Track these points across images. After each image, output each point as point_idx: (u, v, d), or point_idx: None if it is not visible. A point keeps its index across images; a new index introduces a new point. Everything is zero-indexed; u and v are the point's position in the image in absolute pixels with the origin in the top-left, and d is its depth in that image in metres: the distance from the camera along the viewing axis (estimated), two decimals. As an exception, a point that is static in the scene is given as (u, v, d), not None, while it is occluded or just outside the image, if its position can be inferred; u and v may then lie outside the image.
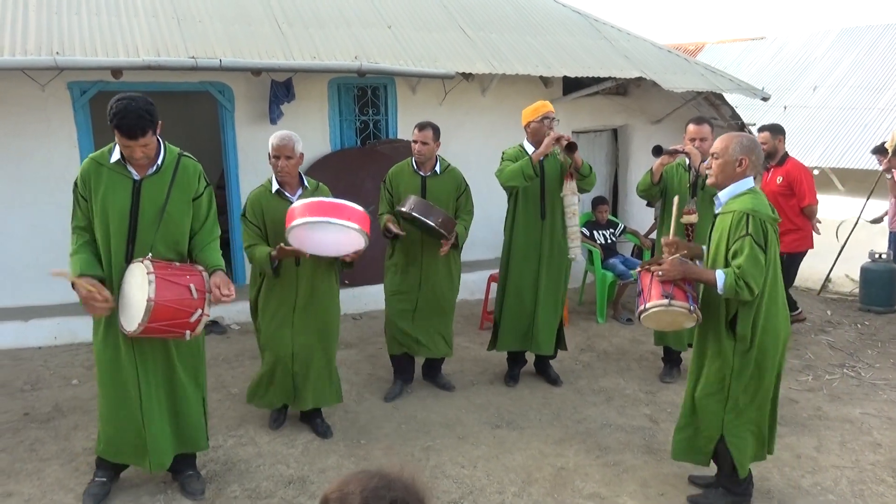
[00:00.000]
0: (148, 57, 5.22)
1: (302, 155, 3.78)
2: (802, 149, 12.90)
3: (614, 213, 8.05)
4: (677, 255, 3.23)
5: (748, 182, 3.11)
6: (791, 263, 5.74)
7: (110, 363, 3.17)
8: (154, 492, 3.45)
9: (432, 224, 4.15)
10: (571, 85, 7.45)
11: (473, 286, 6.86)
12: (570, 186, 4.57)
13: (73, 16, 5.60)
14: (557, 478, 3.64)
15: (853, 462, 3.84)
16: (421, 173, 4.44)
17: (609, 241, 6.67)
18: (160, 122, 3.06)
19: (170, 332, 3.04)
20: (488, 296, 6.13)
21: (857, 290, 7.21)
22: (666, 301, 3.11)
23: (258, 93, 6.25)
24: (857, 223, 7.73)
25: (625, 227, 6.98)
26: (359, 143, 6.91)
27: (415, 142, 4.36)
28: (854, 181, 11.88)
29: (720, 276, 2.99)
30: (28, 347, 5.29)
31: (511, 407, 4.49)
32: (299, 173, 3.85)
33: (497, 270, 6.20)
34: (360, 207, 3.60)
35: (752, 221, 2.96)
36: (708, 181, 3.22)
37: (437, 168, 4.47)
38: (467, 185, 4.57)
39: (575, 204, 4.62)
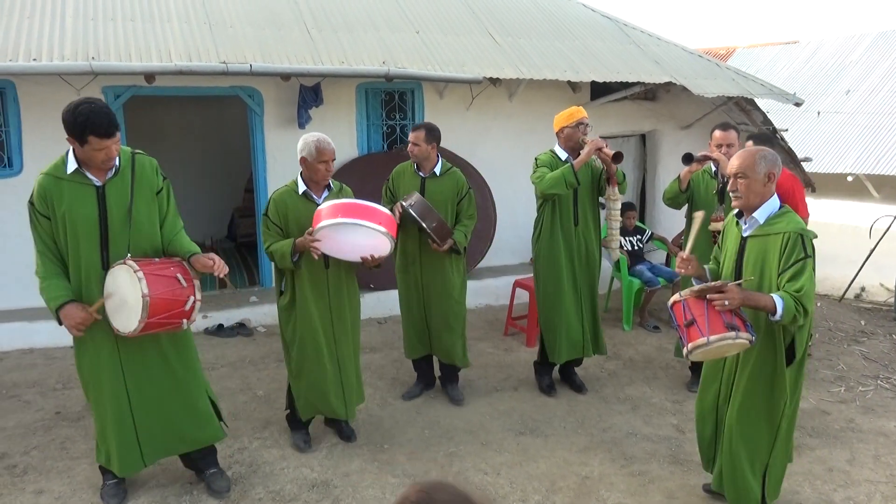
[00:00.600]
0: (180, 62, 5.31)
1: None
2: (836, 155, 12.66)
3: (641, 220, 7.97)
4: (739, 281, 2.99)
5: (776, 199, 2.99)
6: None
7: (95, 375, 3.17)
8: (180, 493, 3.50)
9: (425, 227, 4.14)
10: (600, 90, 7.40)
11: (498, 291, 6.85)
12: (614, 192, 4.55)
13: (109, 22, 5.73)
14: (582, 487, 3.61)
15: (888, 477, 3.74)
16: (421, 174, 4.42)
17: (636, 247, 6.61)
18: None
19: (168, 325, 3.05)
20: (513, 301, 6.10)
21: (892, 300, 7.04)
22: (733, 334, 2.84)
23: (287, 97, 6.32)
24: (888, 230, 7.54)
25: (652, 234, 6.90)
26: (386, 147, 6.94)
27: (409, 142, 4.38)
28: (890, 188, 11.61)
29: (779, 301, 2.79)
30: (61, 346, 5.39)
31: (535, 414, 4.46)
32: None
33: (524, 276, 6.25)
34: (387, 210, 3.65)
35: (808, 243, 2.84)
36: (734, 204, 3.04)
37: (438, 169, 4.41)
38: (470, 189, 4.48)
39: (618, 209, 4.65)
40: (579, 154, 4.49)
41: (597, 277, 4.73)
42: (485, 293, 6.88)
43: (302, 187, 3.78)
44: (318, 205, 3.70)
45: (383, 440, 4.08)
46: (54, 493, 3.47)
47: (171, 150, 9.17)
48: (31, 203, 3.05)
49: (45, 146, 5.65)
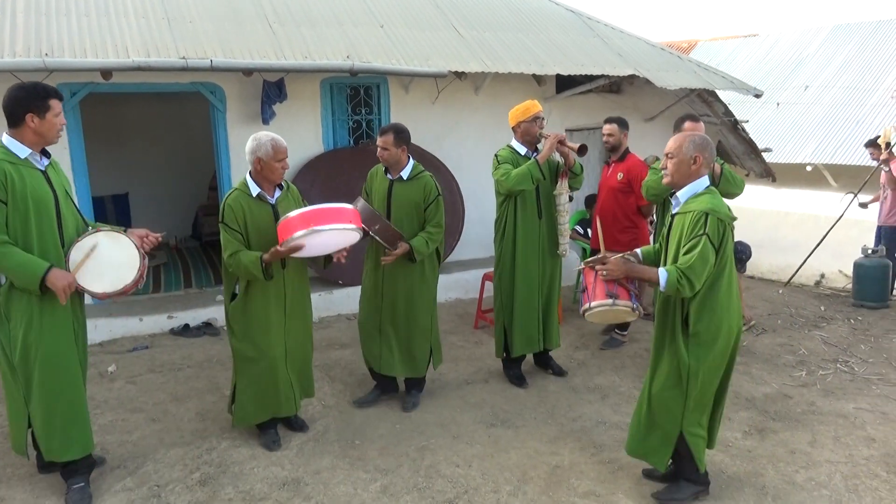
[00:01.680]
0: (138, 58, 5.20)
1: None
2: (795, 145, 12.95)
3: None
4: (621, 254, 3.32)
5: (704, 181, 3.14)
6: None
7: (61, 355, 3.22)
8: (147, 496, 3.44)
9: (375, 236, 4.07)
10: (564, 83, 7.45)
11: (468, 285, 6.87)
12: (563, 185, 4.58)
13: (62, 17, 5.57)
14: (552, 476, 3.64)
15: (847, 457, 3.85)
16: (389, 177, 4.27)
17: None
18: None
19: (142, 278, 3.36)
20: (482, 294, 6.12)
21: (850, 286, 7.24)
22: (610, 301, 3.23)
23: (250, 93, 6.23)
24: (840, 217, 7.74)
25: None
26: (352, 142, 6.90)
27: (378, 147, 4.19)
28: (847, 177, 11.92)
29: (662, 274, 3.04)
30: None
31: (506, 406, 4.49)
32: None
33: (491, 270, 6.25)
34: (349, 206, 3.71)
35: (711, 220, 2.99)
36: (663, 181, 3.23)
37: (405, 173, 4.22)
38: (439, 194, 4.26)
39: (566, 203, 4.65)
40: (537, 148, 4.52)
41: (558, 270, 4.78)
42: (454, 287, 6.89)
43: (255, 189, 3.67)
44: (271, 205, 3.68)
45: (354, 436, 4.06)
46: (15, 501, 3.38)
47: (133, 149, 8.99)
48: None
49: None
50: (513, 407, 4.47)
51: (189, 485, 3.52)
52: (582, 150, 4.38)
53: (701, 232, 2.98)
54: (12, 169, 3.05)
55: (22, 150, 3.09)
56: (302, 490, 3.50)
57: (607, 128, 5.51)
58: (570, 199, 4.81)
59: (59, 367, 3.22)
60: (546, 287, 4.73)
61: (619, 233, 5.36)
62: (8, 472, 3.63)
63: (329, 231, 3.51)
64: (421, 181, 4.25)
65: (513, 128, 4.59)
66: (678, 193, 3.17)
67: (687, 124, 4.68)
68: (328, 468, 3.70)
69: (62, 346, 3.22)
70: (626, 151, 5.57)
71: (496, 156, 4.57)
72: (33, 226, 3.09)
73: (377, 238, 4.10)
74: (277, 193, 3.76)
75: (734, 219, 3.11)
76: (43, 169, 3.18)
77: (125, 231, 3.41)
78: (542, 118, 4.56)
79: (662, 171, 3.22)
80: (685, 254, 3.01)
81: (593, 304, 3.27)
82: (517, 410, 4.42)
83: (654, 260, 3.38)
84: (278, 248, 3.50)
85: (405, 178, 4.23)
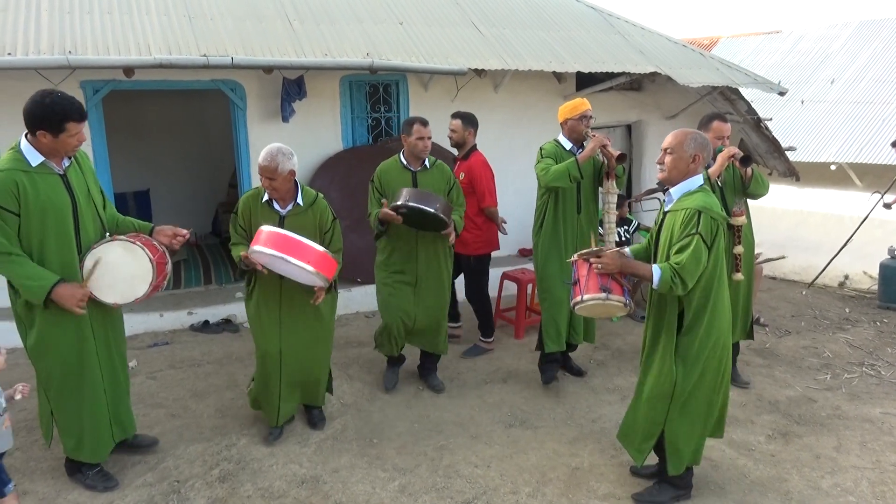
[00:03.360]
0: (160, 55, 5.22)
1: (292, 171, 3.59)
2: (819, 144, 12.74)
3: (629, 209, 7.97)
4: (616, 248, 3.29)
5: (699, 179, 3.11)
6: (479, 266, 5.30)
7: (70, 366, 3.25)
8: (167, 491, 3.46)
9: (432, 211, 4.09)
10: (585, 80, 7.38)
11: (486, 284, 6.83)
12: (611, 185, 4.56)
13: (86, 15, 5.62)
14: (572, 478, 3.61)
15: (874, 463, 3.77)
16: (411, 168, 4.45)
17: (623, 238, 6.61)
18: None
19: (159, 287, 3.41)
20: (501, 294, 6.09)
21: (875, 288, 7.11)
22: (603, 295, 3.18)
23: (270, 91, 6.25)
24: (866, 217, 7.59)
25: (639, 225, 6.91)
26: (371, 140, 6.89)
27: (420, 138, 4.36)
28: (872, 176, 11.69)
29: (656, 271, 3.02)
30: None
31: (524, 406, 4.46)
32: (297, 185, 3.73)
33: (511, 268, 6.23)
34: (321, 248, 3.48)
35: (703, 219, 2.96)
36: (658, 176, 3.21)
37: (427, 163, 4.48)
38: (457, 179, 4.61)
39: (614, 202, 4.63)
40: (582, 145, 4.51)
41: None
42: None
43: (265, 195, 3.72)
44: (280, 215, 3.70)
45: (372, 434, 4.06)
46: (38, 495, 3.41)
47: (154, 146, 9.06)
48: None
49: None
50: (532, 407, 4.44)
51: (209, 481, 3.54)
52: (621, 159, 4.37)
53: (693, 231, 2.96)
54: (25, 178, 3.00)
55: (35, 157, 3.04)
56: (320, 488, 3.49)
57: (451, 123, 5.31)
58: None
59: (68, 377, 3.25)
60: None
61: (464, 235, 5.03)
62: (31, 466, 3.67)
63: (282, 259, 3.36)
64: (441, 168, 4.53)
65: (560, 123, 4.60)
66: (671, 190, 3.14)
67: (715, 124, 4.55)
68: (346, 466, 3.70)
69: (71, 357, 3.23)
70: (472, 150, 5.30)
71: (541, 149, 4.57)
72: (50, 233, 3.07)
73: (438, 215, 4.11)
74: (290, 207, 3.70)
75: (726, 218, 3.08)
76: (61, 172, 3.13)
77: (152, 230, 3.45)
78: (590, 117, 4.56)
79: (658, 166, 3.19)
80: (677, 252, 2.99)
81: (585, 297, 3.21)
82: (536, 411, 4.39)
83: (644, 258, 3.35)
84: (245, 254, 3.55)
85: (429, 167, 4.48)
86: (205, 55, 5.34)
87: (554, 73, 6.82)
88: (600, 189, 4.63)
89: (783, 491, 3.49)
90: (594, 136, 4.40)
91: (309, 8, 6.51)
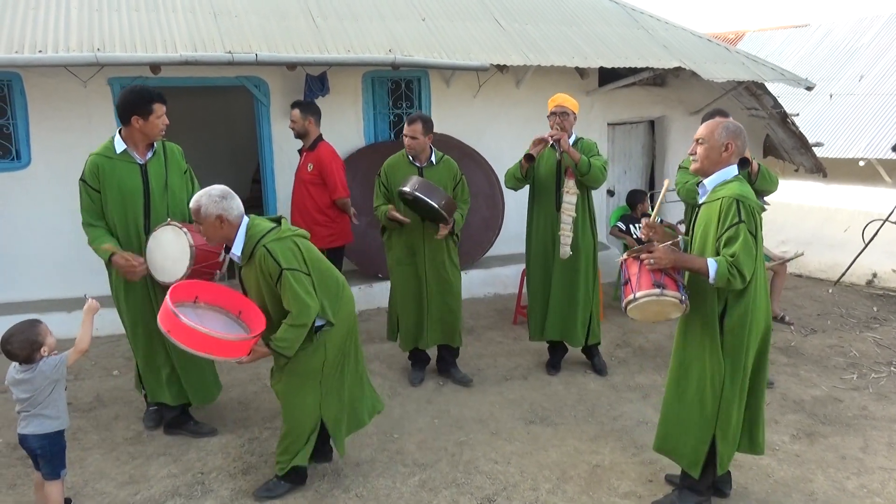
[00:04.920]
0: (185, 52, 5.29)
1: (219, 217, 3.06)
2: (847, 140, 12.50)
3: (650, 207, 7.91)
4: (668, 242, 3.10)
5: (733, 169, 3.03)
6: (333, 259, 5.01)
7: (137, 325, 3.78)
8: (191, 482, 3.51)
9: (434, 205, 4.14)
10: (608, 76, 7.33)
11: (507, 280, 6.83)
12: (569, 184, 4.57)
13: (114, 13, 5.70)
14: (593, 475, 3.60)
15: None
16: (417, 164, 4.47)
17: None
18: None
19: (207, 273, 3.54)
20: (521, 290, 6.08)
21: (905, 286, 6.98)
22: (658, 291, 2.97)
23: (293, 87, 6.29)
24: (890, 214, 7.44)
25: (661, 221, 6.84)
26: (392, 136, 6.91)
27: (405, 135, 4.38)
28: (902, 172, 11.48)
29: (712, 264, 2.87)
30: (71, 338, 5.41)
31: (545, 403, 4.45)
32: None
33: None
34: (230, 338, 3.07)
35: (744, 208, 2.87)
36: (692, 167, 3.13)
37: (433, 158, 4.49)
38: (463, 174, 4.59)
39: (572, 202, 4.58)
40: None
41: (581, 265, 4.69)
42: (493, 282, 6.86)
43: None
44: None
45: (392, 429, 4.08)
46: (67, 484, 3.47)
47: (178, 142, 9.10)
48: (82, 180, 3.64)
49: (53, 138, 5.66)
50: (552, 404, 4.43)
51: (232, 473, 3.59)
52: (556, 144, 4.45)
53: (737, 220, 2.86)
54: (105, 162, 3.61)
55: (119, 146, 3.63)
56: (341, 482, 3.53)
57: (291, 113, 5.22)
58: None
59: (136, 334, 3.83)
60: (568, 279, 4.69)
61: (316, 228, 5.02)
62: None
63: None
64: (448, 163, 4.54)
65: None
66: (706, 181, 3.05)
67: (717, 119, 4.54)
68: (367, 461, 3.73)
69: (138, 316, 3.77)
70: (318, 140, 5.20)
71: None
72: (120, 212, 3.63)
73: (441, 211, 4.16)
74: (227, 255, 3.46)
75: (763, 209, 3.00)
76: (142, 162, 3.66)
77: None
78: (557, 114, 4.55)
79: (691, 157, 3.11)
80: (726, 245, 2.87)
81: (638, 294, 2.99)
82: (556, 408, 4.38)
83: None
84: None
85: (435, 163, 4.49)
86: (229, 52, 5.40)
87: (576, 68, 6.78)
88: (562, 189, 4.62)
89: (808, 492, 3.45)
90: (552, 134, 4.48)
91: (332, 5, 6.54)
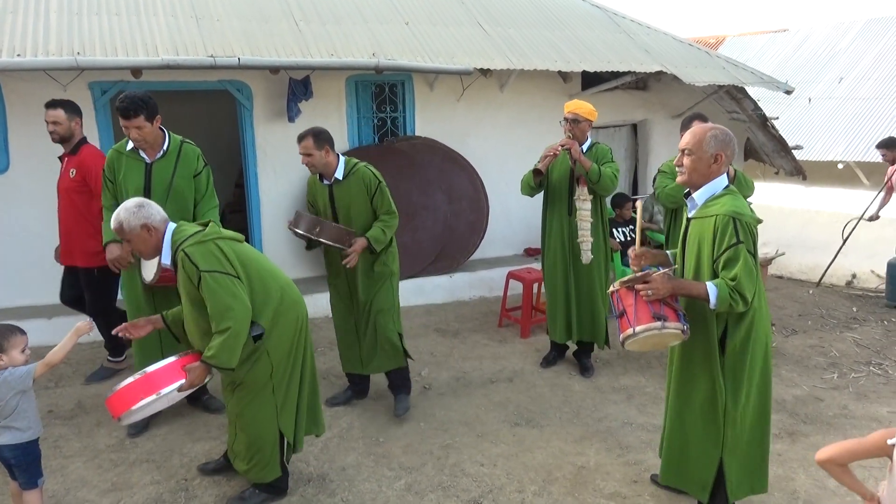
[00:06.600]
0: (167, 56, 5.25)
1: (144, 226, 3.00)
2: (826, 143, 12.70)
3: (633, 209, 7.97)
4: (666, 270, 2.91)
5: (723, 180, 2.86)
6: (103, 280, 4.51)
7: (136, 309, 3.97)
8: (175, 489, 3.48)
9: (324, 241, 3.89)
10: (591, 80, 7.38)
11: (492, 283, 6.84)
12: (580, 192, 4.63)
13: (94, 16, 5.65)
14: (578, 476, 3.61)
15: (881, 462, 3.74)
16: (325, 182, 4.09)
17: (628, 238, 6.60)
18: (159, 115, 3.82)
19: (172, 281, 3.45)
20: (507, 293, 6.09)
21: (883, 286, 7.07)
22: (659, 324, 2.78)
23: (276, 91, 6.27)
24: (859, 220, 7.56)
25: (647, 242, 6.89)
26: (377, 140, 6.90)
27: (299, 153, 4.00)
28: (879, 174, 11.64)
29: (713, 289, 2.72)
30: (51, 345, 5.33)
31: (530, 405, 4.46)
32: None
33: (517, 268, 6.26)
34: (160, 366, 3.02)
35: (741, 227, 2.71)
36: (678, 179, 2.94)
37: (339, 173, 4.04)
38: (380, 182, 4.07)
39: (587, 209, 4.65)
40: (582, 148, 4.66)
41: (595, 267, 4.79)
42: (479, 285, 6.87)
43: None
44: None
45: (378, 433, 4.07)
46: (48, 493, 3.43)
47: (161, 146, 9.08)
48: (103, 170, 3.98)
49: (32, 143, 5.58)
50: (537, 406, 4.44)
51: (216, 479, 3.56)
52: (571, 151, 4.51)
53: (735, 241, 2.70)
54: (117, 157, 3.92)
55: (129, 144, 3.89)
56: (327, 486, 3.51)
57: (51, 114, 4.42)
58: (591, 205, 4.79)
59: (134, 314, 3.96)
60: (583, 280, 4.80)
61: (87, 240, 4.45)
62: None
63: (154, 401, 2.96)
64: (357, 175, 4.06)
65: None
66: (694, 195, 2.89)
67: (695, 124, 4.55)
68: (353, 465, 3.72)
69: (135, 303, 4.01)
70: (81, 143, 4.51)
71: None
72: (116, 205, 3.69)
73: (326, 242, 3.90)
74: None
75: (759, 221, 2.86)
76: (148, 162, 3.88)
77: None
78: (569, 120, 4.61)
79: (678, 168, 2.94)
80: (725, 268, 2.72)
81: (638, 329, 2.80)
82: (542, 410, 4.39)
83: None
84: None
85: (341, 179, 4.05)
86: (212, 56, 5.37)
87: (559, 72, 6.82)
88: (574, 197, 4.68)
89: (790, 490, 3.48)
90: (560, 143, 4.54)
91: (315, 8, 6.54)
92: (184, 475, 3.59)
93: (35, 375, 2.92)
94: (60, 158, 4.60)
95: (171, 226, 3.06)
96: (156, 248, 3.04)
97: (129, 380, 2.93)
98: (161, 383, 2.94)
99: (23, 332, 2.97)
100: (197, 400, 4.26)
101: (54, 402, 4.48)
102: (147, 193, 3.78)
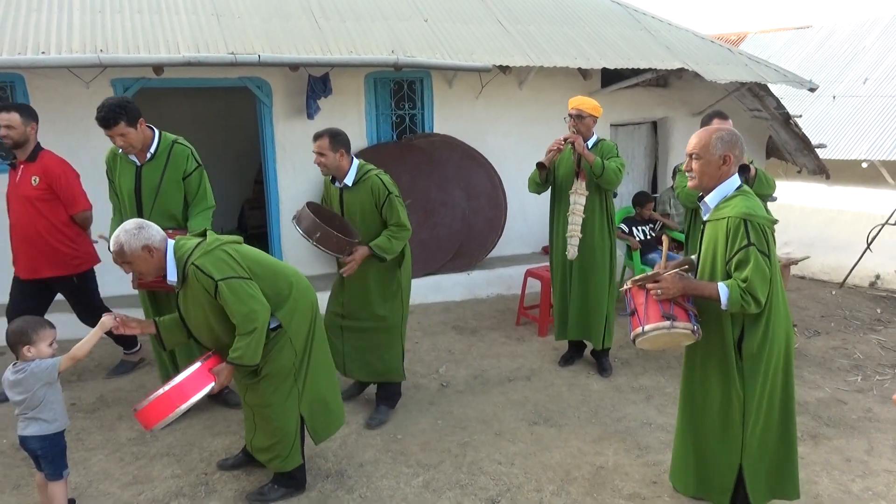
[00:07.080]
0: (188, 53, 5.29)
1: (146, 247, 2.95)
2: (850, 141, 12.49)
3: (653, 208, 7.90)
4: (676, 269, 2.91)
5: (735, 181, 2.85)
6: (86, 285, 4.55)
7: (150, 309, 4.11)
8: (195, 483, 3.51)
9: (321, 248, 3.78)
10: (611, 77, 7.33)
11: (510, 281, 6.83)
12: (578, 185, 4.60)
13: (116, 14, 5.71)
14: (597, 477, 3.59)
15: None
16: (337, 185, 4.00)
17: (648, 236, 6.55)
18: (142, 118, 3.80)
19: (160, 286, 3.64)
20: (524, 291, 6.07)
21: (908, 288, 6.96)
22: (668, 323, 2.79)
23: (296, 88, 6.29)
24: (883, 226, 7.43)
25: (663, 225, 6.83)
26: (395, 137, 6.91)
27: (313, 152, 3.91)
28: (905, 174, 11.46)
29: (724, 290, 2.72)
30: (75, 339, 5.41)
31: (548, 404, 4.44)
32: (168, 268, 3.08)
33: (535, 266, 6.25)
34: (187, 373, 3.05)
35: (752, 228, 2.70)
36: (689, 184, 2.93)
37: (349, 179, 3.92)
38: (390, 192, 3.89)
39: (580, 203, 4.61)
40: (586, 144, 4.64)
41: (598, 265, 4.73)
42: (496, 282, 6.86)
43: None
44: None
45: (396, 430, 4.08)
46: (71, 485, 3.47)
47: (181, 143, 9.16)
48: (105, 172, 4.09)
49: (56, 139, 5.64)
50: (556, 405, 4.42)
51: (235, 474, 3.58)
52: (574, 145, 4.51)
53: (745, 243, 2.69)
54: (113, 157, 4.01)
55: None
56: (345, 482, 3.52)
57: (4, 117, 4.18)
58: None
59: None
60: (585, 279, 4.76)
61: (58, 248, 4.36)
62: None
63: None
64: (367, 184, 3.91)
65: None
66: (706, 199, 2.88)
67: (715, 122, 4.51)
68: (371, 462, 3.72)
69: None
70: (38, 149, 4.34)
71: None
72: (122, 205, 4.02)
73: (323, 249, 3.79)
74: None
75: (775, 221, 2.82)
76: (138, 164, 3.92)
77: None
78: (573, 116, 4.59)
79: (687, 174, 2.93)
80: (737, 269, 2.72)
81: (647, 327, 2.82)
82: (560, 409, 4.37)
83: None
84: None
85: (350, 185, 3.94)
86: (232, 53, 5.40)
87: (579, 69, 6.78)
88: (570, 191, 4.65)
89: (813, 494, 3.43)
90: (563, 137, 4.54)
91: (335, 6, 6.55)
92: (203, 469, 3.62)
93: (60, 369, 2.97)
94: (12, 165, 4.37)
95: (171, 242, 3.05)
96: (157, 267, 3.01)
97: (160, 391, 2.94)
98: (192, 390, 2.99)
99: (52, 326, 3.03)
100: (217, 395, 4.28)
101: (77, 395, 4.53)
102: (138, 195, 3.92)
